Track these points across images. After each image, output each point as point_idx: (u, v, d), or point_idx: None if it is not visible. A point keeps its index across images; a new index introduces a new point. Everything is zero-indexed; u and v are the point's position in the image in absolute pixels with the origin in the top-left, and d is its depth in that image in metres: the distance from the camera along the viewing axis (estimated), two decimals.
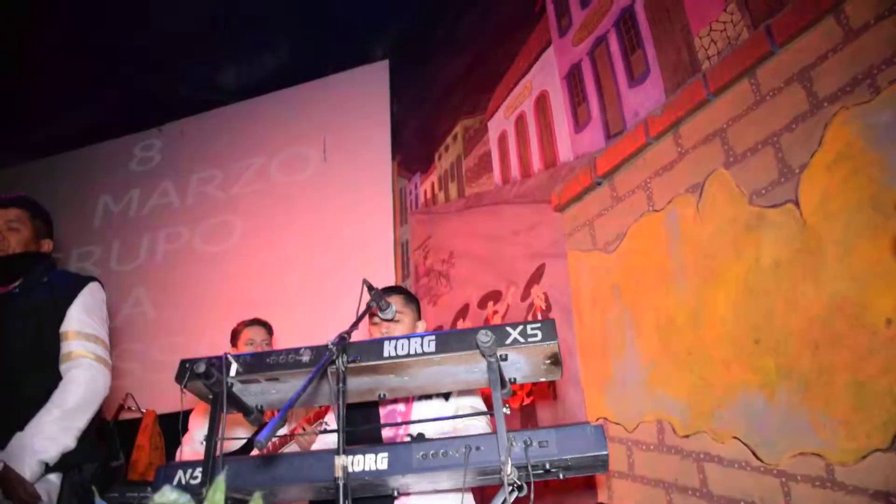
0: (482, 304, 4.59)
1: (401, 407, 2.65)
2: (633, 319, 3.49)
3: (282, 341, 5.65)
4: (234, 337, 3.76)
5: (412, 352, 2.06)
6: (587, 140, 3.99)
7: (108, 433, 4.85)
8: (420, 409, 2.61)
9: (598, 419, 3.60)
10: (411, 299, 2.87)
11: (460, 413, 2.60)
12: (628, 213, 3.62)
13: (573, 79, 4.20)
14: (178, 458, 3.54)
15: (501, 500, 1.93)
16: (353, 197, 5.94)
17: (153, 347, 5.93)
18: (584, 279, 3.83)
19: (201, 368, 2.05)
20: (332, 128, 6.36)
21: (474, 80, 5.23)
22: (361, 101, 6.34)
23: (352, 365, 2.05)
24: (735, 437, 2.90)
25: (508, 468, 1.83)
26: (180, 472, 2.14)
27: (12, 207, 2.75)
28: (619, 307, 3.57)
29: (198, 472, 2.11)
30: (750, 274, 2.94)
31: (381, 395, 2.30)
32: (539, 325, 2.02)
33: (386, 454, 2.00)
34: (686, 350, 3.18)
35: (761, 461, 2.78)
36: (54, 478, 2.44)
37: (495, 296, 4.49)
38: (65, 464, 2.42)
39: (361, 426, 2.55)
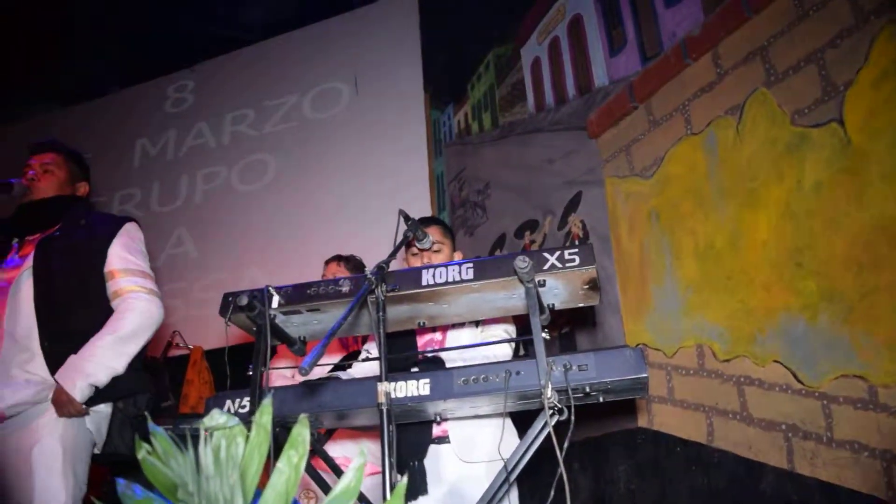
0: (519, 234, 4.58)
1: (437, 335, 2.69)
2: (671, 245, 3.46)
3: (319, 276, 5.75)
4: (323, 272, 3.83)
5: (450, 279, 2.07)
6: (623, 64, 3.89)
7: (158, 370, 5.01)
8: (454, 337, 2.64)
9: (637, 345, 3.61)
10: (448, 230, 2.87)
11: (492, 332, 2.63)
12: (666, 137, 3.55)
13: (608, 1, 4.08)
14: None
15: (542, 423, 1.96)
16: (386, 130, 5.90)
17: (196, 285, 6.05)
18: (621, 206, 3.79)
19: (244, 301, 2.09)
20: (363, 61, 6.28)
21: (504, 5, 5.10)
22: (391, 32, 6.23)
23: (391, 294, 2.07)
24: (776, 361, 2.89)
25: (549, 392, 1.85)
26: (228, 402, 2.20)
27: (47, 152, 2.79)
28: (658, 233, 3.54)
29: (245, 401, 2.18)
30: (792, 196, 2.88)
31: (421, 324, 2.33)
32: (576, 249, 2.01)
33: (427, 380, 2.03)
34: (726, 274, 3.15)
35: (802, 384, 2.77)
36: (105, 408, 2.51)
37: (532, 225, 4.48)
38: (115, 392, 2.48)
39: (400, 353, 2.60)
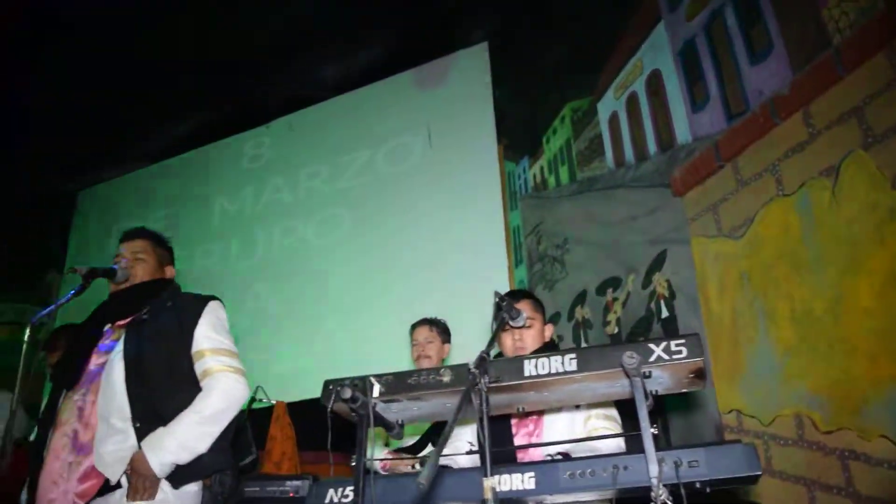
0: (601, 291, 4.52)
1: (533, 417, 2.66)
2: (765, 308, 3.36)
3: (396, 329, 5.78)
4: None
5: (553, 370, 2.05)
6: (706, 121, 3.84)
7: (242, 426, 5.09)
8: (551, 420, 2.61)
9: (730, 410, 3.51)
10: (539, 305, 2.86)
11: (592, 421, 2.59)
12: (755, 198, 3.47)
13: (688, 56, 4.04)
14: None
15: None
16: (460, 183, 5.92)
17: (276, 337, 6.15)
18: (710, 266, 3.71)
19: (347, 394, 2.11)
20: (435, 115, 6.34)
21: (579, 60, 5.11)
22: (462, 85, 6.28)
23: (493, 385, 2.06)
24: (883, 436, 2.77)
25: (660, 490, 1.81)
26: (331, 491, 2.22)
27: (137, 239, 2.89)
28: (750, 295, 3.45)
29: (349, 490, 2.19)
30: None
31: (520, 409, 2.31)
32: (683, 341, 1.97)
33: (532, 474, 2.01)
34: (826, 342, 3.04)
35: None
36: (194, 486, 2.54)
37: (614, 282, 4.42)
38: (199, 471, 2.52)
39: (496, 441, 2.58)
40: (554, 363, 2.06)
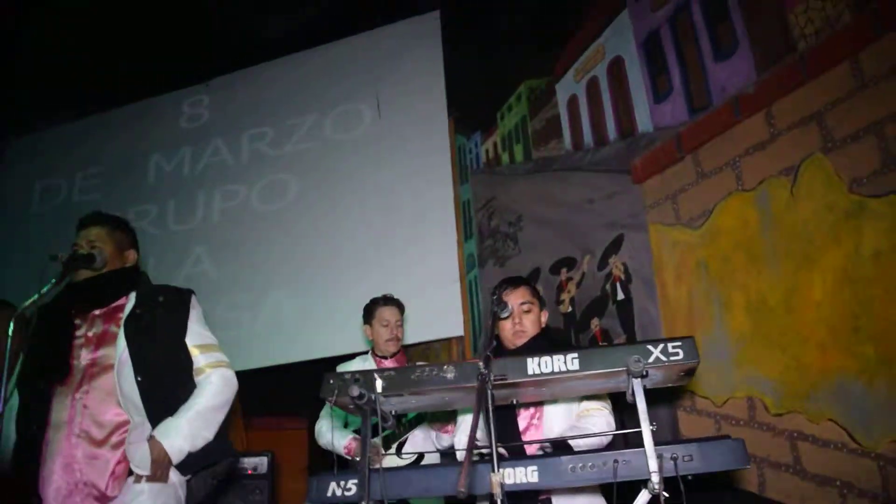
0: (555, 270, 4.66)
1: (532, 409, 2.76)
2: (721, 297, 3.55)
3: (341, 299, 5.79)
4: (368, 314, 3.82)
5: (556, 370, 2.14)
6: (668, 111, 3.97)
7: None
8: (550, 411, 2.73)
9: (684, 391, 3.71)
10: (536, 291, 2.95)
11: (585, 402, 2.72)
12: (715, 190, 3.64)
13: (651, 46, 4.15)
14: (316, 428, 3.73)
15: None
16: (409, 154, 5.92)
17: (219, 306, 6.04)
18: (667, 253, 3.88)
19: (355, 392, 2.14)
20: (385, 83, 6.27)
21: (538, 39, 5.15)
22: (413, 54, 6.23)
23: (498, 382, 2.14)
24: (831, 419, 3.00)
25: (660, 484, 1.95)
26: (333, 484, 2.26)
27: (92, 227, 2.83)
28: (706, 284, 3.64)
29: (351, 483, 2.24)
30: (849, 261, 2.99)
31: (515, 401, 2.42)
32: (680, 343, 2.10)
33: (535, 467, 2.11)
34: (779, 331, 3.25)
35: (858, 444, 2.89)
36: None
37: (568, 262, 4.56)
38: (208, 457, 2.60)
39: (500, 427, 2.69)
40: (557, 362, 2.15)
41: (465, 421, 3.01)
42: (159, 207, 6.82)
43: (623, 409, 3.01)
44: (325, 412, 3.74)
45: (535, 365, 2.16)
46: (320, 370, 4.08)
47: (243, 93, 7.00)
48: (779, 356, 3.23)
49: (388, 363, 3.74)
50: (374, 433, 2.59)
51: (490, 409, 2.06)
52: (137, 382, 2.50)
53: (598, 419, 2.71)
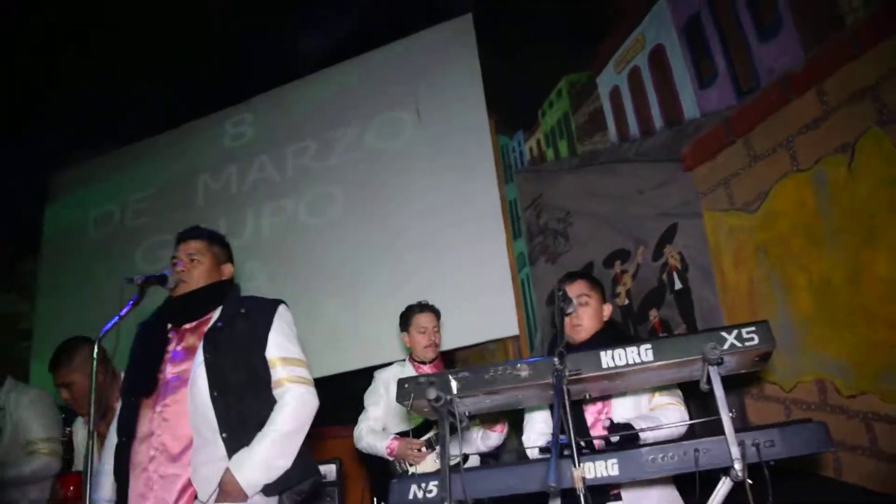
0: (608, 264, 4.64)
1: (598, 404, 2.77)
2: (782, 280, 3.51)
3: (393, 306, 5.83)
4: (405, 321, 3.88)
5: (630, 361, 2.15)
6: (714, 96, 3.94)
7: None
8: (619, 402, 2.73)
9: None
10: (595, 283, 2.95)
11: (657, 397, 2.72)
12: (769, 173, 3.60)
13: (692, 31, 4.12)
14: (356, 433, 3.78)
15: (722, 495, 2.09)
16: (453, 157, 5.94)
17: None
18: (723, 239, 3.85)
19: (432, 395, 2.17)
20: (423, 89, 6.31)
21: (574, 33, 5.14)
22: (449, 58, 6.25)
23: (573, 377, 2.15)
24: None
25: (744, 471, 1.95)
26: (414, 487, 2.29)
27: (192, 240, 2.89)
28: (766, 268, 3.60)
29: (431, 485, 2.27)
30: None
31: (588, 396, 2.42)
32: (754, 328, 2.09)
33: (616, 460, 2.12)
34: (845, 311, 3.20)
35: None
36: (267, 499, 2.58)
37: (622, 255, 4.54)
38: (287, 483, 2.58)
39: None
40: (631, 354, 2.15)
41: (533, 419, 3.03)
42: (211, 227, 6.92)
43: (689, 399, 3.01)
44: (363, 416, 3.80)
45: (608, 358, 2.17)
46: (354, 378, 4.13)
47: (285, 108, 7.11)
48: (847, 336, 3.19)
49: (427, 369, 3.78)
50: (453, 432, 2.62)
51: (567, 404, 2.08)
52: (212, 398, 2.51)
53: (672, 413, 2.70)
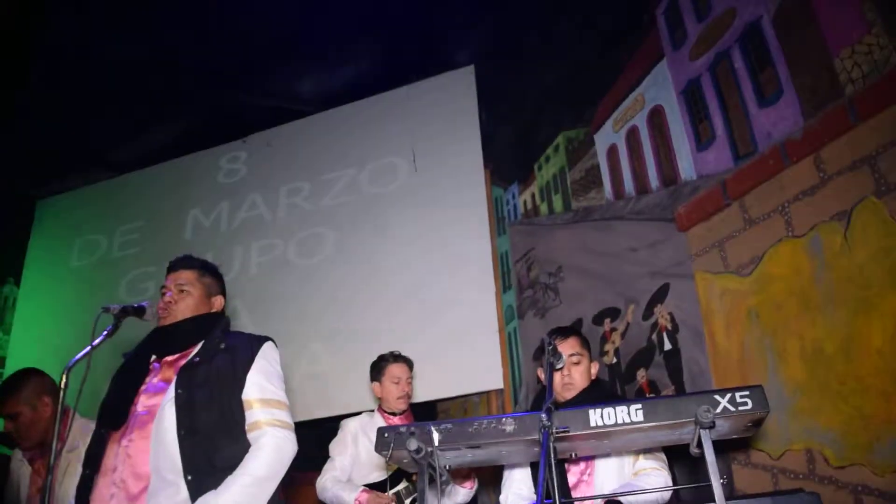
0: (598, 321, 4.59)
1: (581, 464, 2.70)
2: (774, 346, 3.46)
3: (379, 352, 5.75)
4: (377, 371, 3.83)
5: (619, 421, 2.08)
6: (712, 159, 3.95)
7: None
8: (603, 466, 2.66)
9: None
10: (586, 342, 2.92)
11: (641, 461, 2.65)
12: (763, 237, 3.58)
13: (692, 95, 4.14)
14: (319, 483, 3.67)
15: None
16: (446, 206, 5.94)
17: None
18: (715, 301, 3.81)
19: (413, 446, 2.09)
20: (420, 136, 6.35)
21: (576, 90, 5.18)
22: (448, 108, 6.31)
23: (560, 434, 2.08)
24: None
25: None
26: None
27: (182, 270, 2.81)
28: (759, 332, 3.55)
29: None
30: None
31: (573, 455, 2.35)
32: (748, 392, 2.04)
33: None
34: (838, 380, 3.15)
35: None
36: None
37: (612, 313, 4.50)
38: None
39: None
40: (620, 414, 2.09)
41: (512, 477, 2.95)
42: None
43: (674, 463, 2.93)
44: (328, 466, 3.70)
45: (597, 416, 2.10)
46: (334, 423, 4.03)
47: (280, 148, 7.11)
48: (839, 406, 3.12)
49: (396, 420, 3.72)
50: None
51: (553, 462, 2.01)
52: (179, 436, 2.39)
53: (655, 479, 2.64)
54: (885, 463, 2.93)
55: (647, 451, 2.63)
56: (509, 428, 2.17)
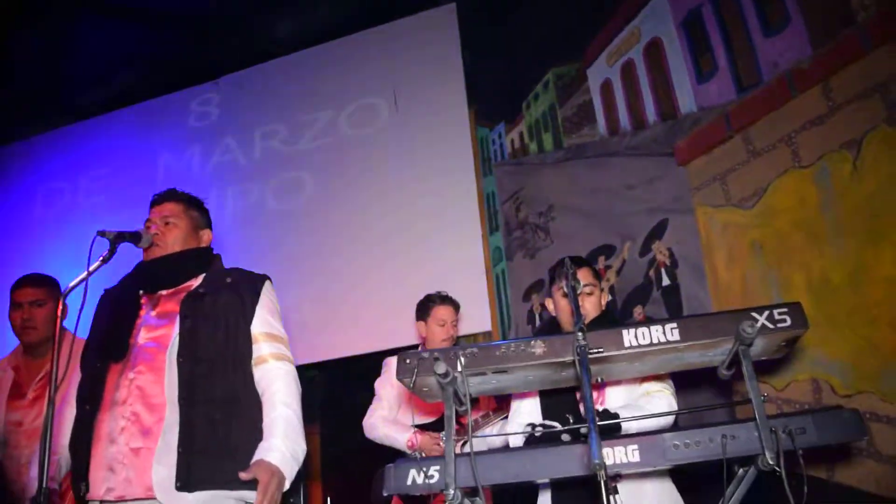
0: (591, 259, 4.52)
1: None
2: (779, 279, 3.44)
3: (363, 298, 5.65)
4: (424, 311, 3.70)
5: (655, 340, 2.01)
6: (714, 91, 3.87)
7: None
8: (611, 391, 2.63)
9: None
10: (597, 272, 2.85)
11: (646, 384, 2.61)
12: (768, 169, 3.53)
13: (693, 26, 4.04)
14: (368, 422, 3.56)
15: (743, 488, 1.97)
16: (430, 148, 5.78)
17: None
18: (717, 236, 3.77)
19: (441, 369, 1.99)
20: (402, 76, 6.13)
21: (564, 26, 5.03)
22: (430, 46, 6.08)
23: (594, 356, 2.01)
24: None
25: (775, 458, 1.82)
26: (413, 472, 2.09)
27: (166, 202, 2.71)
28: (763, 265, 3.52)
29: (433, 470, 2.07)
30: None
31: (599, 380, 2.28)
32: (786, 309, 1.99)
33: (636, 447, 1.97)
34: (845, 311, 3.14)
35: None
36: None
37: (607, 250, 4.43)
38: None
39: (561, 412, 2.57)
40: (655, 333, 2.01)
41: (520, 410, 2.90)
42: None
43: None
44: (375, 405, 3.61)
45: (631, 336, 2.03)
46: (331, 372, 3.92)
47: (254, 90, 6.83)
48: (847, 336, 3.12)
49: None
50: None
51: (587, 383, 1.93)
52: (178, 363, 2.33)
53: (660, 401, 2.61)
54: (894, 390, 2.94)
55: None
56: (539, 350, 2.08)
